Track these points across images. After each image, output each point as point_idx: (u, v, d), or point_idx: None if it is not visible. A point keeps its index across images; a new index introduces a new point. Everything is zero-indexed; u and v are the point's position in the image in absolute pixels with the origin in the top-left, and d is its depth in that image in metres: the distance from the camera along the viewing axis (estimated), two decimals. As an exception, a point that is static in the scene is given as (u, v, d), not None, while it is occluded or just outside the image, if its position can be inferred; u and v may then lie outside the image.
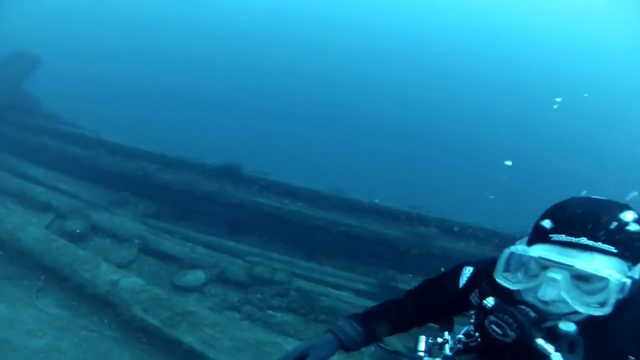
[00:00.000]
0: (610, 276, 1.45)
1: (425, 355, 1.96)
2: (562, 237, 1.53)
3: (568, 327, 1.49)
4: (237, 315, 6.51)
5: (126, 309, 5.72)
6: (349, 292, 7.10)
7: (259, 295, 6.89)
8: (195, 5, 37.64)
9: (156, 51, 26.28)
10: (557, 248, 1.53)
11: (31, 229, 6.95)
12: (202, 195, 9.23)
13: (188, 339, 5.38)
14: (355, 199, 8.87)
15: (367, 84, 26.53)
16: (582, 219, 1.52)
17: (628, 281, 1.47)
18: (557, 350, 1.47)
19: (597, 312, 1.47)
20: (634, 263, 1.51)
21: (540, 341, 1.50)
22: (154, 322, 5.56)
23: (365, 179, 14.19)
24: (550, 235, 1.56)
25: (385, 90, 25.93)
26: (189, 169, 9.77)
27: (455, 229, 8.29)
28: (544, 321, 1.54)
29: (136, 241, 7.65)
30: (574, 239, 1.50)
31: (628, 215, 1.52)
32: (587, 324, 1.52)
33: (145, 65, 23.84)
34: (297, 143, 18.56)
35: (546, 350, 1.48)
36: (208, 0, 39.81)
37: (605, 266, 1.47)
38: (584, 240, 1.48)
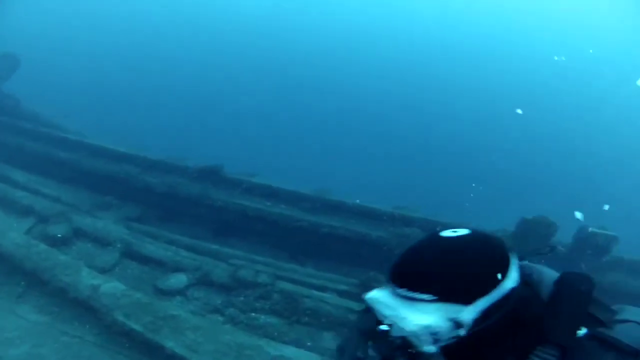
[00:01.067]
0: (405, 330, 1.45)
1: None
2: (392, 285, 1.55)
3: (429, 349, 1.46)
4: (220, 319, 6.52)
5: (107, 314, 5.71)
6: (332, 293, 7.12)
7: (242, 298, 6.90)
8: (178, 4, 37.44)
9: (139, 52, 26.09)
10: (391, 293, 1.55)
11: (11, 234, 6.91)
12: (185, 197, 9.22)
13: (170, 343, 5.39)
14: (338, 200, 8.90)
15: (352, 85, 26.56)
16: (405, 270, 1.55)
17: (444, 324, 1.44)
18: None
19: (427, 350, 1.46)
20: (466, 302, 1.45)
21: None
22: (136, 327, 5.56)
23: (349, 181, 14.22)
24: (390, 280, 1.58)
25: (369, 91, 25.97)
26: (172, 172, 9.74)
27: (438, 229, 8.32)
28: (408, 347, 1.48)
29: (119, 245, 7.62)
30: (397, 289, 1.52)
31: (446, 262, 1.51)
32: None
33: (128, 66, 23.65)
34: (282, 144, 18.53)
35: None
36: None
37: (423, 312, 1.45)
38: (403, 291, 1.50)
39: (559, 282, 1.59)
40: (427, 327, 1.43)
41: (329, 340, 6.34)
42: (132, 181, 9.49)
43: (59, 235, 7.48)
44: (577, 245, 7.71)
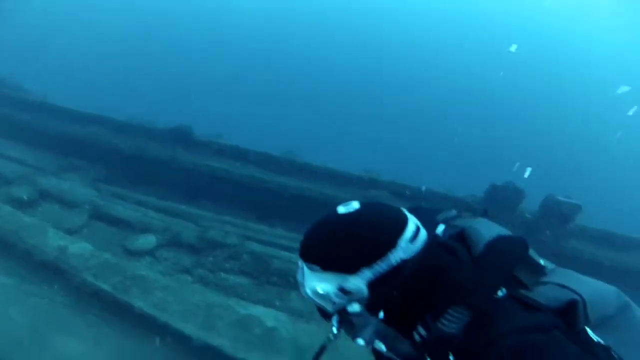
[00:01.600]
0: (308, 290, 1.70)
1: None
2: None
3: (352, 307, 1.62)
4: (189, 279, 6.57)
5: (76, 275, 5.72)
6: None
7: (211, 259, 6.97)
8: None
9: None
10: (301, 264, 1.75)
11: (-25, 197, 6.82)
12: (155, 159, 9.16)
13: (139, 303, 5.44)
14: (307, 162, 8.95)
15: (333, 46, 26.39)
16: (302, 244, 1.71)
17: (332, 291, 1.60)
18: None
19: (328, 311, 1.69)
20: (351, 271, 1.57)
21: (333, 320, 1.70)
22: (105, 287, 5.59)
23: (320, 143, 14.25)
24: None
25: (348, 54, 25.85)
26: (140, 134, 9.64)
27: (407, 192, 8.49)
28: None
29: (87, 207, 7.57)
30: (300, 260, 1.72)
31: (330, 235, 1.63)
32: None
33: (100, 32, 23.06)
34: (255, 105, 18.41)
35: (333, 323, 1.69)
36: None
37: (311, 280, 1.66)
38: (300, 261, 1.72)
39: (488, 244, 1.62)
40: (317, 293, 1.64)
41: (297, 300, 6.46)
42: (100, 143, 9.37)
43: (25, 198, 7.40)
44: (543, 213, 7.94)
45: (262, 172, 8.85)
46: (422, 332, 1.51)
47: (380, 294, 1.56)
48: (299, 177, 8.77)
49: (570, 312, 1.45)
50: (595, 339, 1.41)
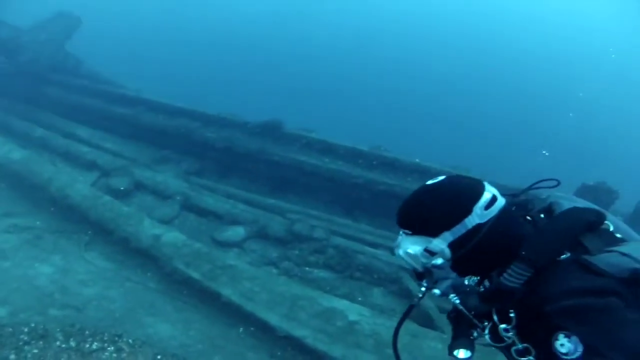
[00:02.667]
0: (397, 252, 1.91)
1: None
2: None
3: (436, 261, 1.82)
4: (274, 271, 6.66)
5: (168, 263, 5.93)
6: (384, 250, 7.15)
7: (297, 252, 7.03)
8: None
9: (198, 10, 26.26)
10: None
11: (78, 186, 7.22)
12: (244, 152, 9.33)
13: (227, 291, 5.56)
14: (395, 157, 8.82)
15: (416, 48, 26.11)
16: (398, 212, 1.92)
17: (419, 251, 1.82)
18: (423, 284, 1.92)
19: (416, 269, 1.91)
20: (435, 234, 1.80)
21: (419, 282, 1.93)
22: (195, 275, 5.76)
23: (408, 138, 14.05)
24: None
25: (432, 55, 25.47)
26: (231, 127, 9.86)
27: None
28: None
29: (178, 198, 7.86)
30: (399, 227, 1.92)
31: (415, 203, 1.89)
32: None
33: (188, 24, 23.90)
34: (342, 102, 18.45)
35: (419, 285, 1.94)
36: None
37: (405, 244, 1.87)
38: (399, 227, 1.91)
39: (560, 212, 1.80)
40: (408, 254, 1.85)
41: (379, 296, 6.41)
42: (192, 136, 9.69)
43: (122, 188, 7.79)
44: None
45: (350, 167, 8.79)
46: (487, 283, 1.75)
47: (459, 253, 1.77)
48: (387, 172, 8.66)
49: (634, 282, 1.48)
50: None
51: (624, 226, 1.82)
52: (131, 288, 5.57)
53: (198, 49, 21.30)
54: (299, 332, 5.18)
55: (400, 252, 1.90)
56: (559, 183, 1.98)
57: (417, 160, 8.85)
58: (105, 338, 4.04)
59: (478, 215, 1.75)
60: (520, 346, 1.69)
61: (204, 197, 7.97)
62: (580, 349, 1.49)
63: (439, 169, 8.58)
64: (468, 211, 1.75)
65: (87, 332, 4.01)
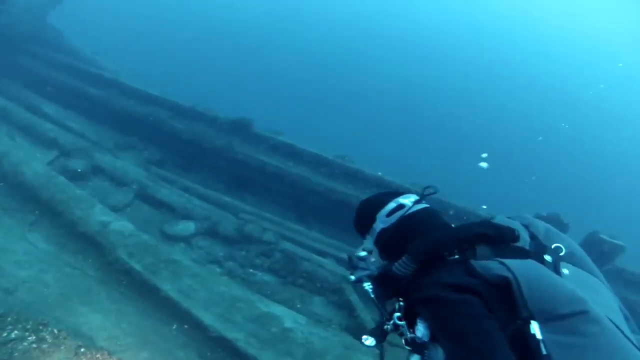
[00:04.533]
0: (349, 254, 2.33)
1: None
2: None
3: (359, 253, 2.25)
4: (218, 270, 6.68)
5: (112, 251, 5.92)
6: (331, 259, 7.21)
7: (244, 253, 7.07)
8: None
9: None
10: None
11: (34, 164, 7.16)
12: (209, 147, 9.34)
13: (166, 286, 5.58)
14: (359, 168, 8.88)
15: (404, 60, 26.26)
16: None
17: (362, 253, 2.23)
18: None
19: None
20: (364, 236, 2.27)
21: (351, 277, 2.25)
22: (137, 266, 5.76)
23: (374, 151, 14.12)
24: None
25: (418, 70, 25.63)
26: (201, 120, 9.86)
27: (451, 212, 8.30)
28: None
29: (134, 186, 7.84)
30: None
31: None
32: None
33: (171, 19, 23.74)
34: (317, 108, 18.48)
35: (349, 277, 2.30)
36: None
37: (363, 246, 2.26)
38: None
39: (472, 222, 1.98)
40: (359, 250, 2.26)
41: (319, 305, 6.47)
42: (160, 125, 9.66)
43: (79, 170, 7.74)
44: (584, 248, 7.55)
45: (312, 174, 8.84)
46: (380, 270, 2.05)
47: (379, 249, 2.19)
48: (348, 183, 8.71)
49: (504, 289, 1.58)
50: (531, 331, 1.48)
51: (579, 253, 1.96)
52: (69, 273, 5.54)
53: (187, 43, 21.14)
54: (231, 334, 5.22)
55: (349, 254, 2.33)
56: (436, 190, 2.25)
57: (379, 173, 8.92)
58: (28, 326, 4.00)
59: (382, 221, 2.18)
60: (408, 335, 1.82)
61: (160, 189, 7.95)
62: (427, 334, 1.71)
63: (399, 184, 8.66)
64: (373, 219, 2.21)
65: (9, 319, 3.97)
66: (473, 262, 1.72)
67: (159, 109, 10.01)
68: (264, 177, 8.94)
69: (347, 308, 6.48)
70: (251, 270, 6.79)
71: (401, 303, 1.87)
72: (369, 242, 2.23)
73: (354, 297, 6.50)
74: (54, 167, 7.66)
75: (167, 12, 24.30)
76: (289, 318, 5.61)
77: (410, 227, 2.09)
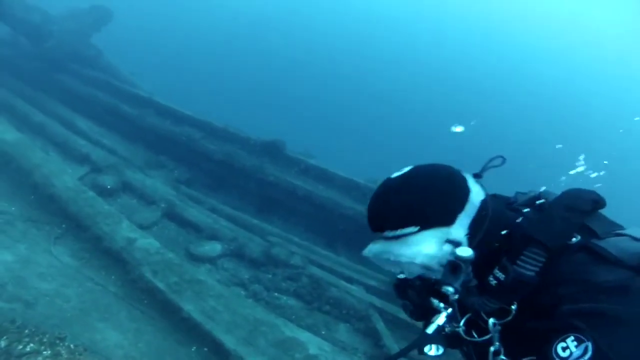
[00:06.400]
0: (410, 260, 1.55)
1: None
2: (377, 233, 1.67)
3: (447, 289, 1.54)
4: (243, 292, 6.52)
5: (136, 268, 5.82)
6: (359, 286, 6.99)
7: (269, 276, 6.91)
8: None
9: (221, 30, 26.53)
10: (380, 242, 1.66)
11: (65, 178, 7.16)
12: (240, 168, 9.25)
13: (189, 306, 5.44)
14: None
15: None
16: (377, 216, 1.66)
17: (445, 245, 1.53)
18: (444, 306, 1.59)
19: (436, 276, 1.57)
20: (449, 222, 1.56)
21: (433, 300, 1.61)
22: (160, 285, 5.64)
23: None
24: (373, 229, 1.71)
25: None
26: (233, 141, 9.80)
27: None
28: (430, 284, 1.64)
29: (162, 205, 7.78)
30: (382, 234, 1.64)
31: (410, 194, 1.59)
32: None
33: (209, 41, 24.12)
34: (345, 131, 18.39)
35: (437, 305, 1.60)
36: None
37: (418, 244, 1.54)
38: (388, 233, 1.61)
39: (563, 193, 1.64)
40: (427, 256, 1.53)
41: (344, 332, 6.24)
42: (191, 144, 9.64)
43: (108, 186, 7.72)
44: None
45: (342, 197, 8.66)
46: (499, 274, 1.51)
47: (477, 239, 1.56)
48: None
49: None
50: None
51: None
52: (90, 289, 5.46)
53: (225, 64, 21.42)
54: (253, 358, 5.03)
55: (405, 260, 1.56)
56: (504, 160, 1.81)
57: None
58: (45, 340, 3.88)
59: (477, 192, 1.62)
60: (497, 345, 1.57)
61: (188, 208, 7.88)
62: (587, 355, 1.32)
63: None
64: (468, 188, 1.60)
65: (26, 331, 3.87)
66: (599, 242, 1.48)
67: (191, 128, 10.00)
68: (294, 200, 8.81)
69: (373, 336, 6.23)
70: (276, 294, 6.62)
71: (513, 307, 1.52)
72: (458, 229, 1.55)
73: (380, 325, 6.26)
74: (85, 182, 7.66)
75: (203, 35, 24.64)
76: (313, 344, 5.41)
77: (495, 207, 1.64)
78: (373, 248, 1.68)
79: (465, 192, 1.59)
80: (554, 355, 1.37)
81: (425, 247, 1.53)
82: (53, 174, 7.15)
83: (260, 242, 7.48)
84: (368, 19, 39.20)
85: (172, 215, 7.73)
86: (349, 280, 7.09)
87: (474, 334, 1.65)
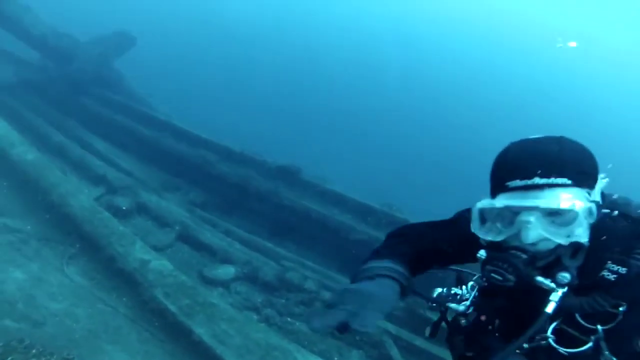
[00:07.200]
0: (573, 206, 1.50)
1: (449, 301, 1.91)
2: (518, 183, 1.58)
3: (564, 277, 1.54)
4: (255, 317, 6.43)
5: (148, 290, 5.75)
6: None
7: (283, 301, 6.82)
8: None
9: (240, 52, 26.81)
10: (518, 193, 1.58)
11: (81, 198, 7.16)
12: (254, 192, 9.24)
13: (200, 330, 5.34)
14: (404, 218, 8.57)
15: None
16: (529, 161, 1.58)
17: (592, 205, 1.52)
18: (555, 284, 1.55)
19: (578, 240, 1.53)
20: (591, 187, 1.57)
21: (539, 279, 1.55)
22: (172, 307, 5.55)
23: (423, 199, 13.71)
24: (507, 184, 1.61)
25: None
26: (249, 165, 9.82)
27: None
28: (536, 260, 1.59)
29: (177, 227, 7.77)
30: (528, 182, 1.55)
31: (568, 146, 1.59)
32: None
33: (238, 61, 24.36)
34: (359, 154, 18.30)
35: (548, 285, 1.54)
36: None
37: (567, 198, 1.52)
38: (537, 180, 1.54)
39: None
40: (588, 209, 1.52)
41: (357, 359, 6.11)
42: (207, 167, 9.66)
43: (124, 208, 7.73)
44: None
45: (357, 222, 8.59)
46: (617, 268, 1.50)
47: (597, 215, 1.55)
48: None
49: None
50: None
51: None
52: (101, 310, 5.40)
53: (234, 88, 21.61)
54: (265, 385, 4.92)
55: (573, 206, 1.51)
56: None
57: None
58: (52, 360, 3.84)
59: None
60: (607, 355, 1.53)
61: (202, 231, 7.86)
62: None
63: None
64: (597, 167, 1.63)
65: (33, 351, 3.84)
66: None
67: (208, 151, 10.04)
68: (308, 224, 8.74)
69: (387, 364, 6.09)
70: (289, 318, 6.51)
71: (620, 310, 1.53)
72: (597, 192, 1.60)
73: (394, 352, 6.13)
74: (101, 202, 7.67)
75: (218, 56, 24.95)
76: (326, 372, 5.29)
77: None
78: (504, 200, 1.62)
79: (597, 164, 1.62)
80: None
81: (577, 203, 1.51)
82: (69, 193, 7.16)
83: (274, 266, 7.42)
84: (378, 35, 39.37)
85: (186, 238, 7.70)
86: (363, 306, 6.97)
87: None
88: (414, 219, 8.53)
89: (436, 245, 2.01)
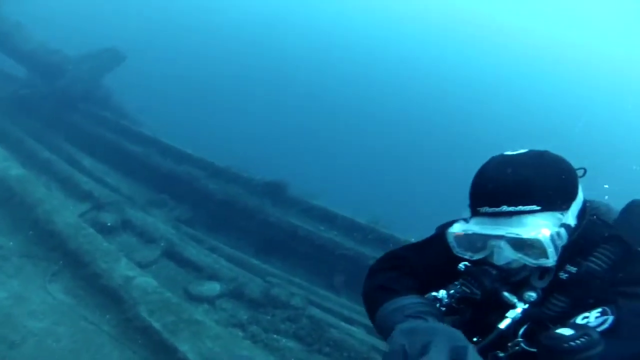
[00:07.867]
0: (537, 235, 1.52)
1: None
2: (487, 209, 1.63)
3: (530, 296, 1.63)
4: (240, 334, 6.37)
5: (132, 307, 5.70)
6: (360, 327, 6.83)
7: (269, 317, 6.77)
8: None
9: (242, 61, 26.74)
10: (487, 219, 1.64)
11: (66, 214, 7.12)
12: (241, 208, 9.22)
13: (185, 347, 5.29)
14: (390, 234, 8.57)
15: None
16: (499, 188, 1.61)
17: (562, 230, 1.55)
18: (519, 299, 1.63)
19: (546, 263, 1.57)
20: (566, 207, 1.60)
21: (506, 294, 1.63)
22: (156, 325, 5.51)
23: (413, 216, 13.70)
24: (478, 209, 1.68)
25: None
26: (235, 181, 9.81)
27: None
28: (509, 276, 1.66)
29: (162, 244, 7.72)
30: (497, 209, 1.60)
31: (542, 168, 1.61)
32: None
33: (229, 74, 24.32)
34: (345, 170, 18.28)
35: (511, 301, 1.62)
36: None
37: (534, 226, 1.55)
38: (505, 208, 1.58)
39: (629, 204, 1.71)
40: (556, 235, 1.53)
41: (344, 376, 6.06)
42: (193, 183, 9.64)
43: (109, 224, 7.68)
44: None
45: (344, 238, 8.57)
46: (570, 268, 1.59)
47: (576, 232, 1.60)
48: (379, 248, 8.38)
49: None
50: None
51: None
52: (83, 328, 5.33)
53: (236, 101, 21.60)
54: (248, 404, 4.87)
55: (536, 235, 1.52)
56: (585, 171, 1.79)
57: (412, 240, 8.56)
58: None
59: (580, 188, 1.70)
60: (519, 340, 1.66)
61: (188, 247, 7.81)
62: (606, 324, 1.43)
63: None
64: (577, 179, 1.67)
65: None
66: None
67: (194, 168, 10.03)
68: (295, 240, 8.71)
69: (375, 381, 6.05)
70: (275, 335, 6.45)
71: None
72: (571, 217, 1.61)
73: (383, 367, 6.06)
74: (86, 219, 7.61)
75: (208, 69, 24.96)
76: (311, 389, 5.25)
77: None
78: (471, 226, 1.68)
79: (575, 183, 1.65)
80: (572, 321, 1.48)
81: (545, 229, 1.53)
82: (54, 210, 7.12)
83: (260, 282, 7.37)
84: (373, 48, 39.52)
85: (171, 254, 7.65)
86: (350, 321, 6.94)
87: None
88: (401, 234, 8.59)
89: (429, 270, 2.03)
